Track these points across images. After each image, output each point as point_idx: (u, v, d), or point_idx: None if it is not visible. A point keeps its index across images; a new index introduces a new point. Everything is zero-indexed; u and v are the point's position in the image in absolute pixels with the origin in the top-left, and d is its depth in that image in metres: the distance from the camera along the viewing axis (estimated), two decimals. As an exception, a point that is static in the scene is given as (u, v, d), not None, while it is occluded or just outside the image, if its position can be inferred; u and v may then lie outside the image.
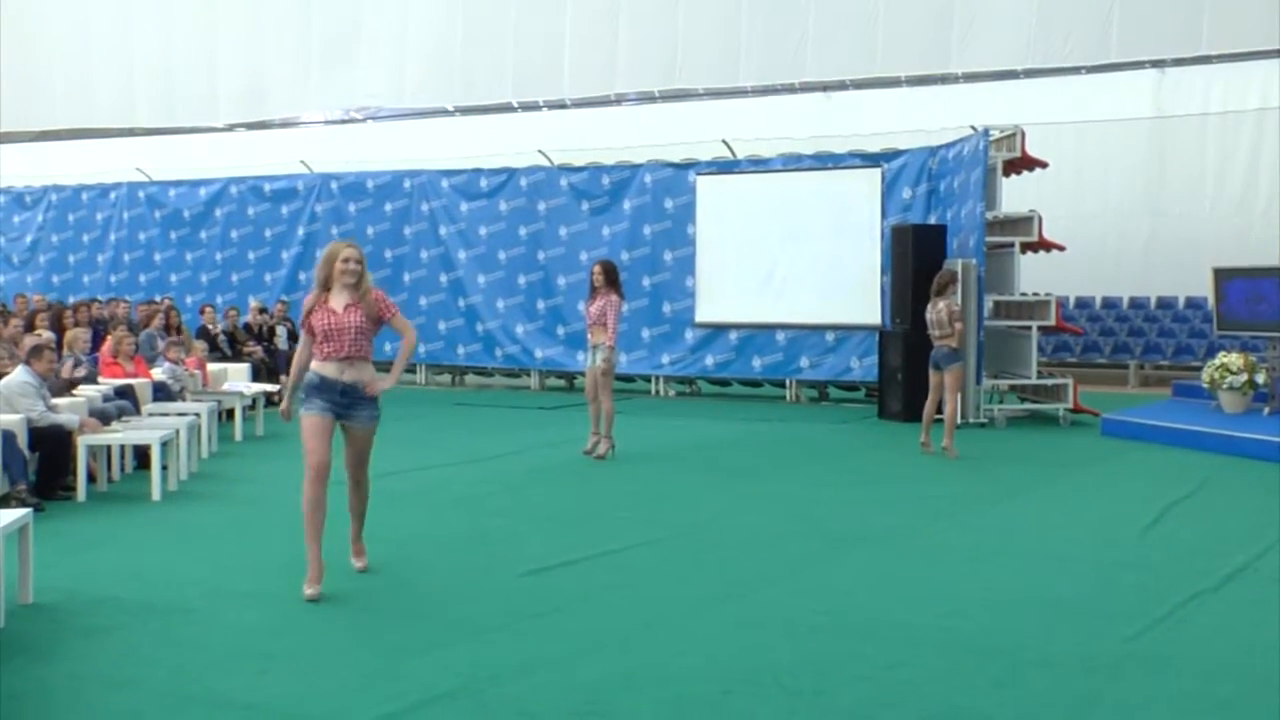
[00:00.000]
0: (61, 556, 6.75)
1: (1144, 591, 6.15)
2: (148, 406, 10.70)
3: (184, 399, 11.60)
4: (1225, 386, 12.30)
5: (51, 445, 8.59)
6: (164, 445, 8.94)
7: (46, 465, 8.63)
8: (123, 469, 9.70)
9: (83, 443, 8.68)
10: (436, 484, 9.58)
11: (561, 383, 18.35)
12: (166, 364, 12.12)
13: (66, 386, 9.83)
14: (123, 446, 9.55)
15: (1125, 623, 5.51)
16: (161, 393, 11.32)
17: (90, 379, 10.70)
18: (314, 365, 6.14)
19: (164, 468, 8.93)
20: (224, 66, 27.32)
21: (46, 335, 11.43)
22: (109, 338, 12.05)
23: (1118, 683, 4.74)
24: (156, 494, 8.75)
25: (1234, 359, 12.33)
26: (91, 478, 8.91)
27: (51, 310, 13.77)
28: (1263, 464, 10.55)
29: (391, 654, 5.04)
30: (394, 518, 8.17)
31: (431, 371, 19.06)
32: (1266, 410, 12.18)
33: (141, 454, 9.68)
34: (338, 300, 6.14)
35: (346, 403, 6.14)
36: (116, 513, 8.29)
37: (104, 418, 9.31)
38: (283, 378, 15.69)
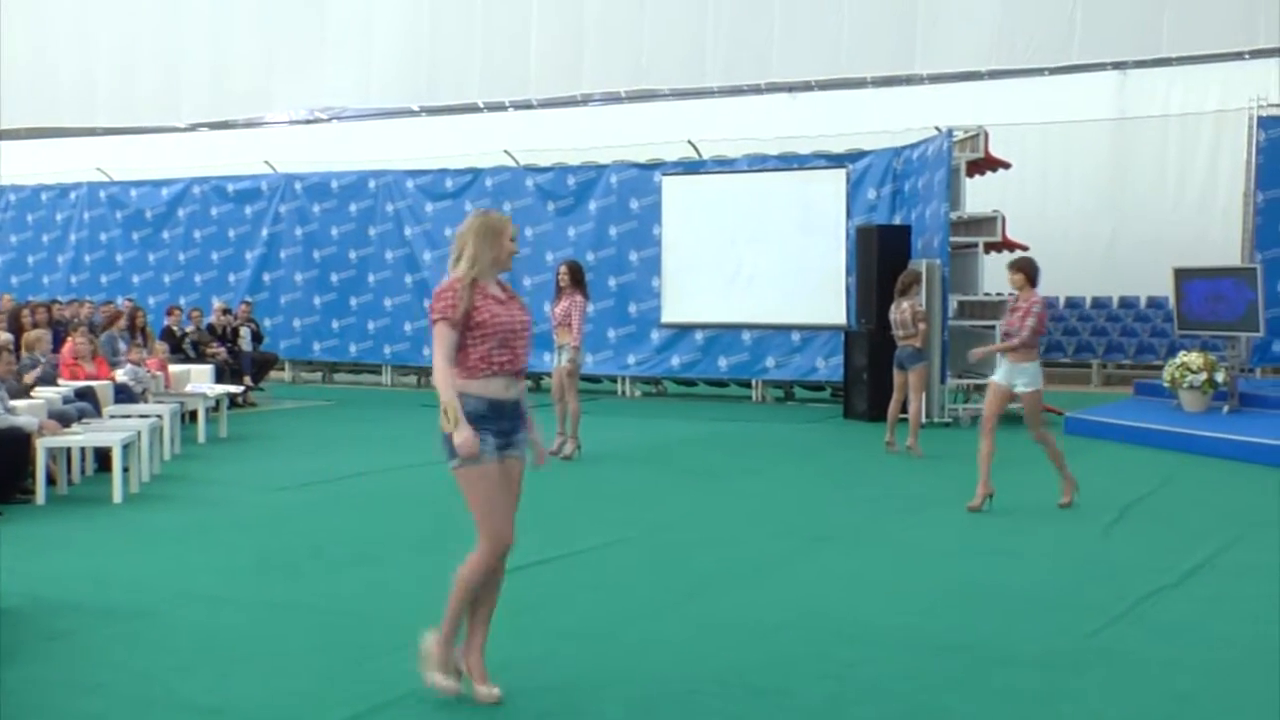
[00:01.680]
0: (21, 560, 6.66)
1: (1106, 588, 6.20)
2: (109, 408, 10.59)
3: (146, 400, 11.49)
4: (1186, 385, 12.43)
5: (10, 448, 8.47)
6: (125, 447, 8.86)
7: (5, 468, 8.51)
8: (83, 471, 9.59)
9: (42, 445, 8.58)
10: (403, 485, 9.54)
11: (528, 383, 18.29)
12: (128, 365, 12.00)
13: (25, 389, 9.72)
14: (83, 449, 9.45)
15: (1087, 618, 5.56)
16: (123, 394, 11.21)
17: (49, 380, 10.58)
18: (471, 385, 4.42)
19: (125, 470, 8.84)
20: (187, 65, 27.09)
21: (4, 337, 11.30)
22: (69, 339, 11.93)
23: (1080, 678, 4.78)
24: (118, 496, 8.66)
25: (1194, 358, 12.47)
26: (51, 480, 8.81)
27: (9, 311, 13.60)
28: (1222, 462, 10.68)
29: (357, 655, 5.01)
30: (360, 519, 8.15)
31: (397, 373, 18.98)
32: (1226, 409, 12.32)
33: (103, 456, 9.57)
34: (496, 290, 4.51)
35: (509, 428, 4.52)
36: (77, 516, 8.20)
37: (64, 420, 9.21)
38: (246, 379, 15.59)
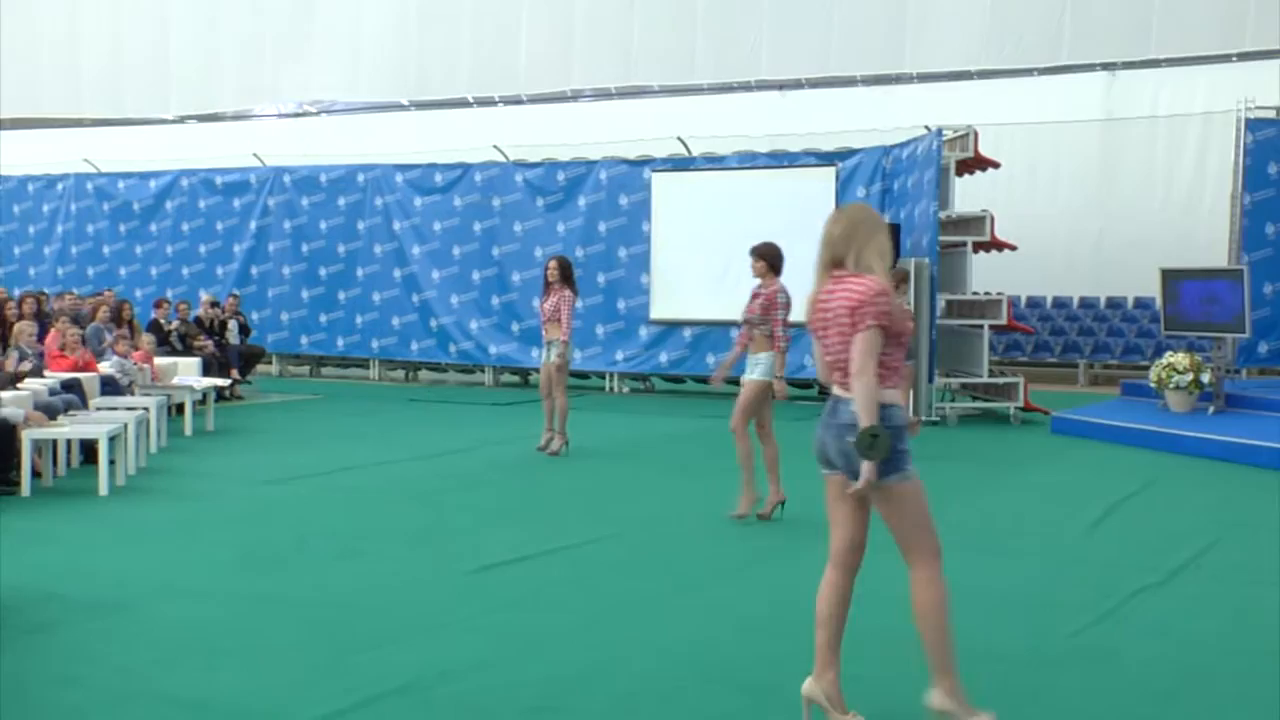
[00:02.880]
0: (4, 552, 6.64)
1: (1090, 587, 6.22)
2: (95, 400, 10.55)
3: (133, 393, 11.45)
4: (1172, 386, 12.48)
5: (-5, 439, 8.45)
6: (111, 440, 8.83)
7: (-10, 460, 8.49)
8: (69, 463, 9.56)
9: (28, 437, 8.54)
10: (389, 480, 9.52)
11: (516, 379, 18.30)
12: (114, 357, 11.96)
13: (11, 380, 9.67)
14: (69, 441, 9.41)
15: (1072, 617, 5.57)
16: (110, 387, 11.17)
17: (37, 372, 10.53)
18: (891, 395, 4.08)
19: (111, 462, 8.81)
20: (175, 57, 26.99)
21: (-10, 328, 11.26)
22: (54, 330, 11.88)
23: (1063, 676, 4.79)
24: (104, 489, 8.64)
25: (1180, 359, 12.51)
26: (36, 473, 8.77)
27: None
28: (1207, 462, 10.72)
29: (340, 650, 5.00)
30: (346, 514, 8.13)
31: (385, 367, 18.95)
32: (1211, 409, 12.36)
33: (89, 448, 9.54)
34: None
35: None
36: (62, 508, 8.17)
37: (50, 412, 9.17)
38: (234, 372, 15.53)
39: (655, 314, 16.79)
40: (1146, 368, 13.72)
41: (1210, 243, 16.82)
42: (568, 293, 10.75)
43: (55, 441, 9.10)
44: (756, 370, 8.03)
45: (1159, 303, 13.82)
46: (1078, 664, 4.94)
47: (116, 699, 4.45)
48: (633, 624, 5.52)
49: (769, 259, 8.08)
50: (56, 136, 25.78)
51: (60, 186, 20.75)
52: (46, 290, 17.19)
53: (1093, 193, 20.91)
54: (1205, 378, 12.39)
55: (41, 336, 12.08)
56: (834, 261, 4.20)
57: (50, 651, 5.02)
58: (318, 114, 26.52)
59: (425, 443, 11.71)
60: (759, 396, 8.02)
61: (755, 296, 8.07)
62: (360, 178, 18.73)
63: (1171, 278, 13.38)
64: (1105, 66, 21.04)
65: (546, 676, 4.72)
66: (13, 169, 21.56)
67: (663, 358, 16.83)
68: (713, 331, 16.49)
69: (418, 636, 5.23)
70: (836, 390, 4.21)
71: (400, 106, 25.60)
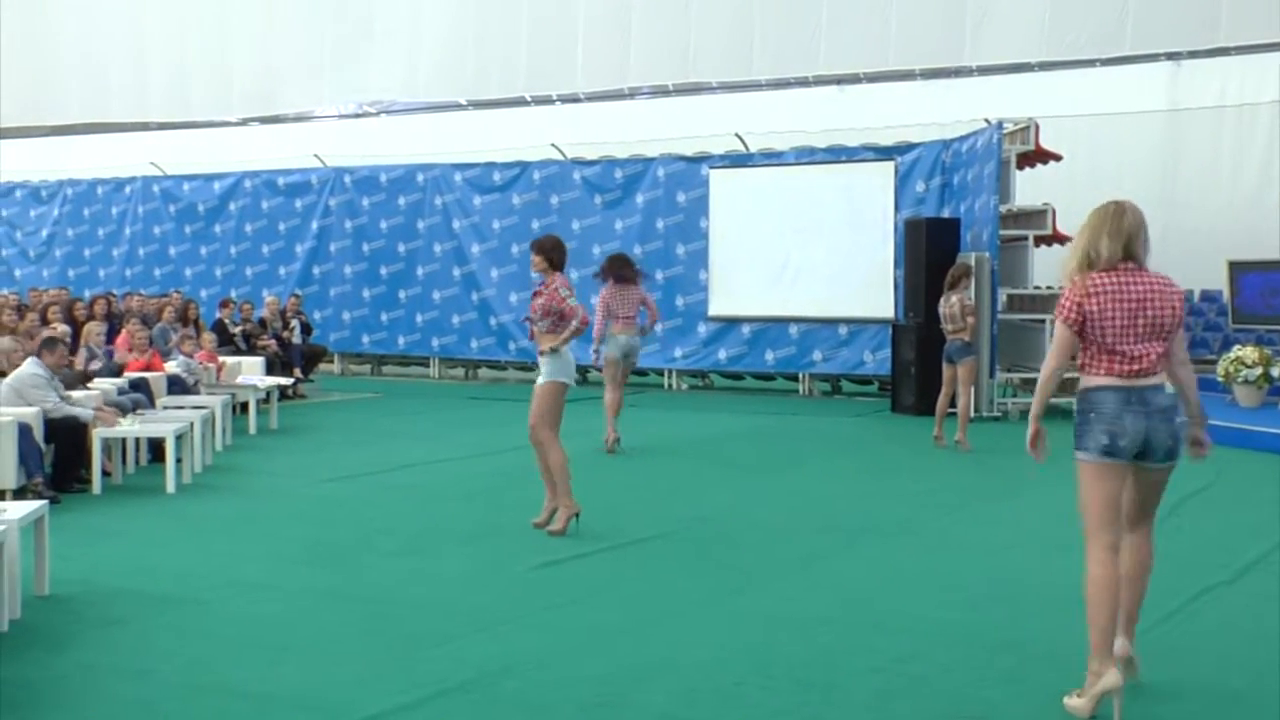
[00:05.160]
0: (77, 549, 6.79)
1: (1158, 584, 6.08)
2: (162, 399, 10.74)
3: (198, 392, 11.64)
4: (1240, 380, 12.26)
5: (66, 438, 8.63)
6: (178, 438, 8.98)
7: (62, 458, 8.68)
8: (137, 461, 9.74)
9: (97, 435, 8.71)
10: (450, 477, 9.61)
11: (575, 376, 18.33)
12: (180, 357, 12.17)
13: (81, 379, 9.88)
14: (138, 439, 9.59)
15: (1139, 615, 5.49)
16: (176, 385, 11.36)
17: (108, 371, 10.73)
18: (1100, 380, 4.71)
19: (178, 460, 8.97)
20: (237, 60, 27.35)
21: (61, 328, 11.50)
22: (123, 331, 12.12)
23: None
24: (171, 486, 8.79)
25: (1249, 352, 12.29)
26: (106, 471, 8.95)
27: (63, 303, 13.82)
28: (1278, 457, 10.52)
29: (404, 646, 5.05)
30: (407, 511, 8.21)
31: (445, 366, 19.09)
32: (1281, 404, 12.14)
33: (156, 447, 9.72)
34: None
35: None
36: (131, 505, 8.33)
37: (119, 410, 9.35)
38: (296, 371, 15.73)
39: (714, 310, 16.77)
40: (1214, 362, 13.47)
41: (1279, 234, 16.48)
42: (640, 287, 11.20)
43: (124, 440, 9.27)
44: (544, 369, 7.44)
45: (1226, 295, 13.58)
46: (1145, 662, 4.87)
47: (186, 692, 4.53)
48: (691, 620, 5.53)
49: (547, 253, 7.45)
50: (124, 140, 26.23)
51: (128, 189, 21.14)
52: (115, 291, 17.52)
53: (1157, 185, 20.47)
54: (1275, 371, 12.16)
55: (111, 337, 12.33)
56: (1127, 253, 4.43)
57: (121, 645, 5.12)
58: (377, 114, 26.75)
59: (485, 440, 11.78)
60: (551, 400, 7.45)
61: (537, 295, 7.50)
62: (420, 177, 18.89)
63: (1238, 270, 13.15)
64: (1170, 56, 20.67)
65: (606, 672, 4.74)
66: (83, 173, 21.99)
67: (721, 354, 16.81)
68: (771, 328, 16.45)
69: (479, 632, 5.27)
70: (1142, 379, 4.66)
71: (458, 106, 25.75)
